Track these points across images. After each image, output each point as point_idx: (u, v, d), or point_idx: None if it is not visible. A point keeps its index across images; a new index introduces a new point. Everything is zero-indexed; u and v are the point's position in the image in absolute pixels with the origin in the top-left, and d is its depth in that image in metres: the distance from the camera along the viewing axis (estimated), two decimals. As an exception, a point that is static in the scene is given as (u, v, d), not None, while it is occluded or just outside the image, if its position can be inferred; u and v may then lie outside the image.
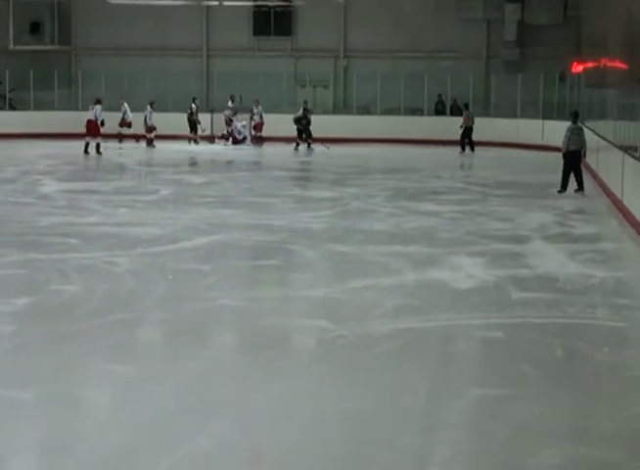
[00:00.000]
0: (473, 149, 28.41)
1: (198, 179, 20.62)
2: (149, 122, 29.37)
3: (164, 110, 30.91)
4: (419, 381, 6.64)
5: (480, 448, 5.48)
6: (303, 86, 34.88)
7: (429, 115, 33.18)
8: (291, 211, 15.05)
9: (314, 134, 28.93)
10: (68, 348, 7.38)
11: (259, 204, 16.07)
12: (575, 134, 17.98)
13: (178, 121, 30.46)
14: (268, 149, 29.26)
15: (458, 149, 28.14)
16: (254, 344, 7.69)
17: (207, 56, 35.68)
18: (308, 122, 28.98)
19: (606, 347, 7.63)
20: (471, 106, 29.68)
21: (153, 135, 29.33)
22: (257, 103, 30.47)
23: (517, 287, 9.57)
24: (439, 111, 33.23)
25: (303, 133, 29.03)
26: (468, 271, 10.35)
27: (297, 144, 29.03)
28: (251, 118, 30.41)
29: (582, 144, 17.96)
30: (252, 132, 30.38)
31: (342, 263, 11.02)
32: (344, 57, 34.91)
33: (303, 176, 21.54)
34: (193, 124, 30.55)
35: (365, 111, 33.37)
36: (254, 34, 35.28)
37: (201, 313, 8.62)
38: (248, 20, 35.22)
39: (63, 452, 5.37)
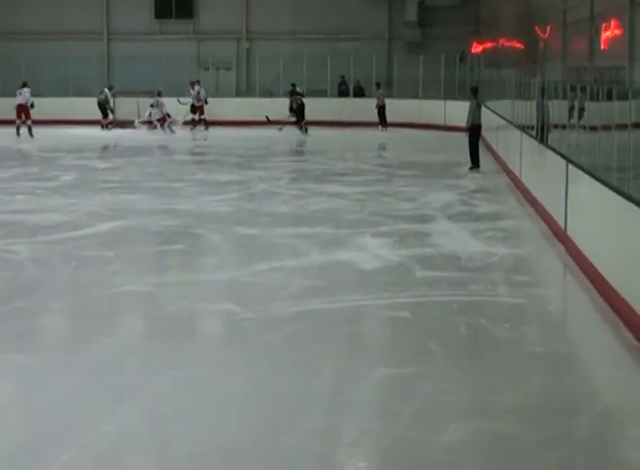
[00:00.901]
0: (386, 126, 29.64)
1: (101, 165, 20.29)
2: (164, 110, 29.03)
3: (65, 95, 30.31)
4: (325, 362, 6.68)
5: (388, 427, 5.53)
6: (207, 69, 34.62)
7: (332, 96, 33.26)
8: (196, 196, 14.93)
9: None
10: (-33, 339, 7.21)
11: (164, 188, 15.91)
12: (479, 109, 18.64)
13: (79, 106, 29.95)
14: (176, 134, 28.96)
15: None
16: (161, 329, 7.63)
17: (108, 39, 35.12)
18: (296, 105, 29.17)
19: (507, 323, 7.78)
20: (378, 86, 30.40)
21: (171, 120, 29.27)
22: (194, 84, 30.21)
23: (422, 266, 9.68)
24: (343, 92, 33.35)
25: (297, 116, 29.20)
26: (374, 252, 10.43)
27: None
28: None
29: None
30: (191, 116, 30.03)
31: (248, 246, 10.99)
32: (247, 39, 34.75)
33: (208, 160, 21.37)
34: (104, 110, 29.99)
35: (268, 93, 33.25)
36: (156, 17, 34.87)
37: (105, 300, 8.52)
38: (149, 2, 34.78)
39: (-36, 446, 5.25)
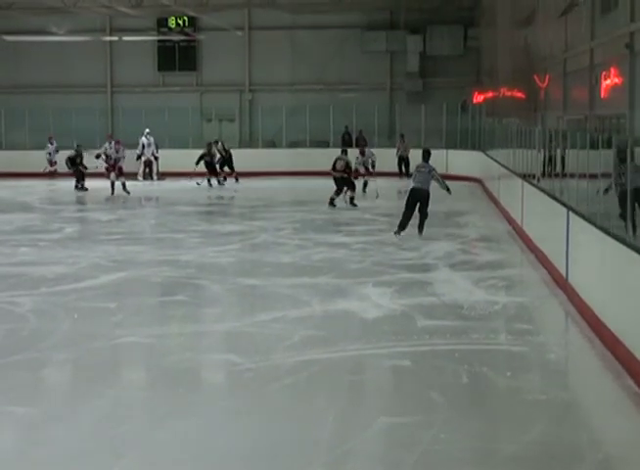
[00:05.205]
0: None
1: (104, 216, 20.35)
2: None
3: (70, 147, 30.46)
4: (327, 411, 6.66)
5: (388, 477, 5.52)
6: (209, 120, 34.94)
7: (335, 146, 33.34)
8: (198, 246, 14.96)
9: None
10: (-32, 392, 7.20)
11: (167, 240, 15.96)
12: (421, 172, 15.99)
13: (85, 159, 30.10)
14: (172, 184, 29.09)
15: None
16: (162, 380, 7.62)
17: (112, 92, 35.48)
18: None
19: (509, 371, 7.77)
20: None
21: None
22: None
23: (423, 315, 9.69)
24: (346, 142, 33.49)
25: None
26: (375, 301, 10.43)
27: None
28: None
29: (428, 182, 15.84)
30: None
31: (250, 297, 11.00)
32: (249, 91, 35.09)
33: (211, 211, 21.48)
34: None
35: (271, 144, 33.50)
36: (159, 70, 35.30)
37: (107, 352, 8.52)
38: (152, 55, 35.22)
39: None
